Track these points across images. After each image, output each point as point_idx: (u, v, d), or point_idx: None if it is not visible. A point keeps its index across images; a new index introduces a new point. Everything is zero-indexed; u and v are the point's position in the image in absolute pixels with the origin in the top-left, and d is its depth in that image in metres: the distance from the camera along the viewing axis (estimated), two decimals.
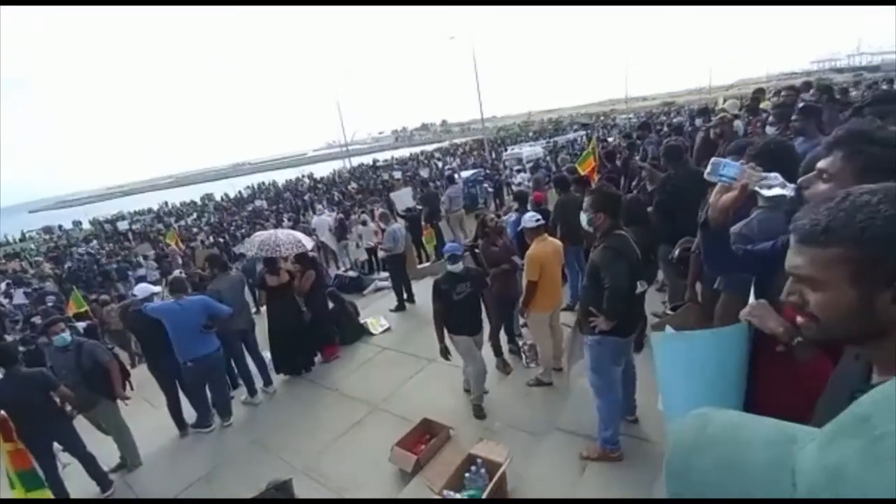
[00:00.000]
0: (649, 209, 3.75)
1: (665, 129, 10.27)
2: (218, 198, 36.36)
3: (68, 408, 3.69)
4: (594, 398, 2.78)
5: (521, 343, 4.33)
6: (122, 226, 27.67)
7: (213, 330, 4.19)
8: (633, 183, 5.52)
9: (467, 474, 2.79)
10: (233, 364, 4.87)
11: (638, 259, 2.57)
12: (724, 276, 1.83)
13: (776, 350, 1.08)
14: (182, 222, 26.71)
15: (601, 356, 2.65)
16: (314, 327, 5.36)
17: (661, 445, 2.77)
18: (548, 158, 15.72)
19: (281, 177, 41.98)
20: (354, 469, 3.45)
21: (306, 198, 23.84)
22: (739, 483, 0.32)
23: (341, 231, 10.81)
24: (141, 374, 4.84)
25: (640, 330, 2.85)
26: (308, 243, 5.28)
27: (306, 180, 35.28)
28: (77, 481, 3.81)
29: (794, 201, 1.15)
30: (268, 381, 4.96)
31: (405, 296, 6.55)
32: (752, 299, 1.22)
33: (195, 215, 29.20)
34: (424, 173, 21.44)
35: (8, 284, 14.90)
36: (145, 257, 14.31)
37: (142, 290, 4.57)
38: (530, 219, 3.54)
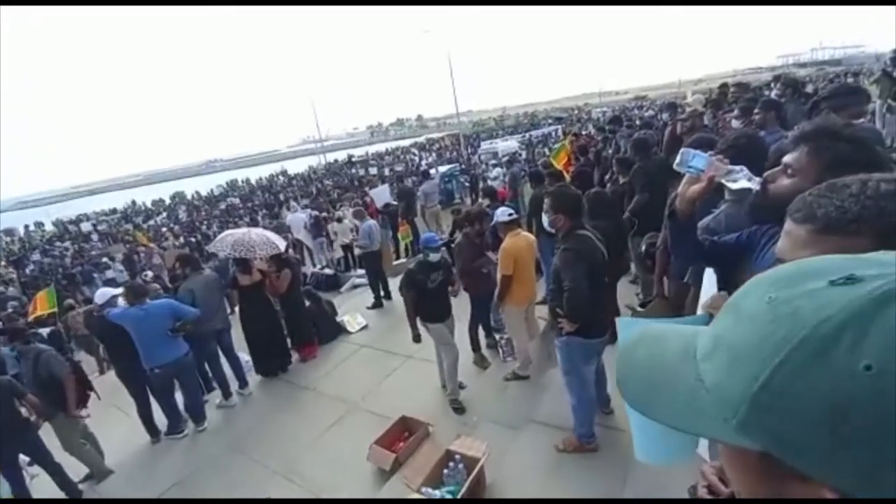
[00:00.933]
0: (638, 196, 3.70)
1: (637, 122, 10.43)
2: (189, 196, 35.10)
3: (33, 417, 3.51)
4: (568, 396, 2.80)
5: (498, 337, 4.34)
6: (86, 227, 26.30)
7: (181, 333, 4.04)
8: (606, 176, 5.59)
9: (446, 470, 2.78)
10: (206, 367, 4.72)
11: (602, 258, 2.56)
12: (691, 267, 1.85)
13: None
14: (151, 222, 25.68)
15: (570, 356, 2.65)
16: (291, 327, 5.26)
17: None
18: (523, 153, 15.80)
19: (255, 174, 40.86)
20: (333, 469, 3.40)
21: (281, 196, 23.33)
22: (661, 365, 0.42)
23: (317, 228, 10.61)
24: (112, 381, 4.65)
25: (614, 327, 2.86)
26: (281, 244, 5.16)
27: (280, 177, 34.51)
28: (45, 492, 3.65)
29: (759, 195, 1.15)
30: (243, 383, 4.84)
31: (382, 293, 6.49)
32: (714, 291, 1.23)
33: (164, 214, 28.03)
34: (400, 168, 21.25)
35: None
36: (112, 259, 13.72)
37: (101, 295, 4.35)
38: (503, 213, 3.54)
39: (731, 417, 0.34)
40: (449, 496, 2.64)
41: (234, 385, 4.79)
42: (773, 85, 9.10)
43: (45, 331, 6.59)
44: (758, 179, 1.14)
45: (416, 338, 3.74)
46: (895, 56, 7.27)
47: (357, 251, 7.84)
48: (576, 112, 44.55)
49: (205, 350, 4.53)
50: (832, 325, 0.31)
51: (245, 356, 5.04)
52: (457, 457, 2.81)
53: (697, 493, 0.75)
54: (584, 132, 11.61)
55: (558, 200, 2.57)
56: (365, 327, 5.91)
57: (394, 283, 6.63)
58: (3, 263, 18.63)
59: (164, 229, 20.19)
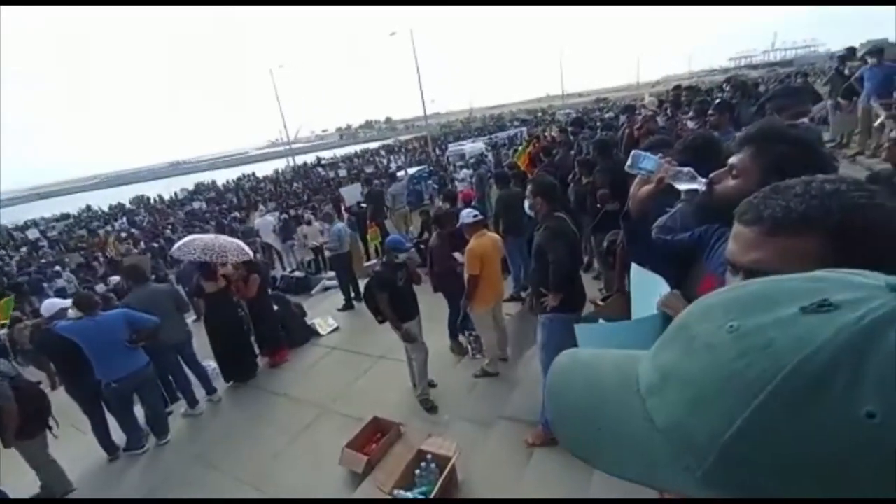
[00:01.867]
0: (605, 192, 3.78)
1: (598, 124, 10.65)
2: (152, 199, 33.39)
3: None
4: (542, 378, 2.82)
5: (468, 334, 4.33)
6: (33, 234, 23.95)
7: (141, 344, 3.79)
8: (570, 177, 5.68)
9: (417, 471, 2.73)
10: (170, 378, 4.49)
11: (577, 238, 2.77)
12: (648, 266, 1.88)
13: None
14: (108, 227, 24.18)
15: (553, 332, 2.77)
16: (259, 332, 5.08)
17: None
18: (490, 154, 15.90)
19: (222, 176, 39.47)
20: (305, 475, 3.29)
21: (250, 198, 22.59)
22: (600, 401, 0.37)
23: (286, 231, 10.35)
24: (64, 397, 4.34)
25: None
26: (249, 251, 4.98)
27: (249, 180, 33.45)
28: None
29: (705, 195, 1.15)
30: (210, 390, 4.62)
31: (352, 294, 6.38)
32: (665, 289, 1.23)
33: (124, 219, 26.29)
34: (370, 170, 21.00)
35: None
36: (63, 266, 12.86)
37: (48, 307, 4.05)
38: (468, 215, 3.53)
39: (696, 468, 0.29)
40: (421, 497, 2.60)
41: (201, 393, 4.58)
42: (724, 87, 9.44)
43: None
44: (703, 180, 1.14)
45: (406, 334, 3.56)
46: (846, 55, 7.66)
47: (327, 253, 7.69)
48: (540, 114, 45.32)
49: (166, 363, 4.29)
50: (820, 363, 0.27)
51: (212, 363, 4.83)
52: (428, 457, 2.78)
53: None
54: (546, 134, 11.78)
55: (538, 186, 2.81)
56: (336, 329, 5.80)
57: (363, 285, 6.54)
58: None
59: (122, 234, 19.13)
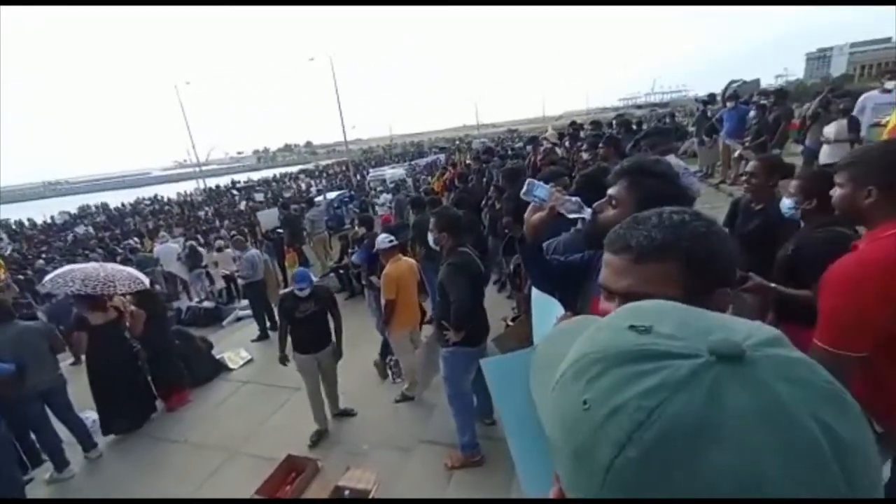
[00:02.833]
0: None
1: (509, 152, 11.31)
2: (24, 222, 28.21)
3: None
4: (450, 407, 2.82)
5: (388, 359, 4.23)
6: None
7: None
8: (482, 202, 5.93)
9: None
10: (32, 436, 3.68)
11: (480, 271, 2.72)
12: (545, 287, 1.99)
13: None
14: None
15: (454, 366, 2.71)
16: (155, 371, 4.47)
17: None
18: (409, 180, 16.09)
19: (115, 199, 34.92)
20: None
21: (150, 224, 20.22)
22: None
23: (194, 259, 9.39)
24: None
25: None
26: (145, 280, 4.42)
27: (146, 205, 29.98)
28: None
29: (590, 223, 1.24)
30: (89, 445, 3.88)
31: (268, 324, 5.94)
32: (560, 311, 1.30)
33: None
34: (289, 195, 20.06)
35: None
36: None
37: None
38: (384, 240, 3.50)
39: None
40: None
41: (75, 452, 3.83)
42: (613, 123, 10.72)
43: None
44: (588, 210, 1.24)
45: (282, 359, 3.60)
46: (708, 99, 9.19)
47: (240, 281, 7.12)
48: (458, 142, 47.08)
49: (27, 416, 3.52)
50: (594, 357, 0.33)
51: (91, 414, 4.12)
52: (346, 492, 2.62)
53: None
54: (463, 161, 12.25)
55: (442, 220, 2.71)
56: (249, 361, 5.34)
57: None
58: None
59: None
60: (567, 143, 7.69)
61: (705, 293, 0.65)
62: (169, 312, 5.82)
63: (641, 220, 0.71)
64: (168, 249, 9.61)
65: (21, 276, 12.22)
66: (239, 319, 7.13)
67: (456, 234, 2.68)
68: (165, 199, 30.75)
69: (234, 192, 29.39)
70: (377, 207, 12.63)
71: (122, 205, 31.35)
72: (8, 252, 19.17)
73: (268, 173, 44.82)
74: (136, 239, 14.72)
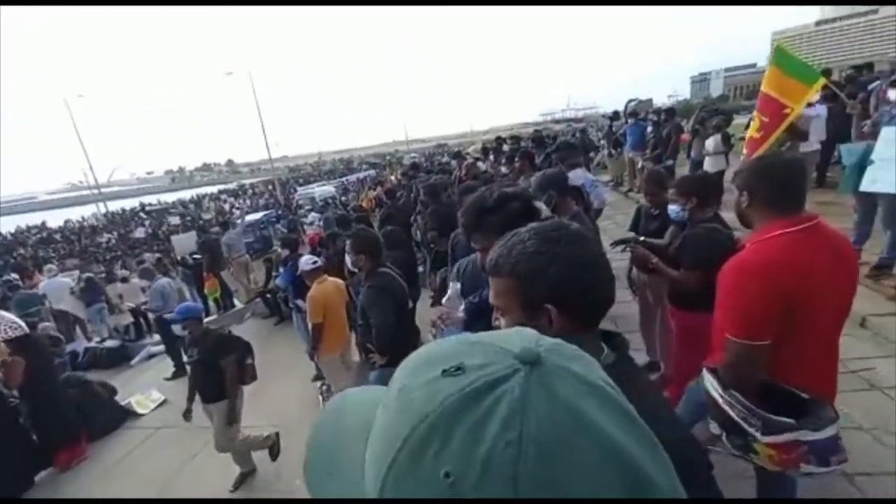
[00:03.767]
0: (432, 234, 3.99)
1: (437, 167, 11.52)
2: None
3: None
4: None
5: (320, 385, 4.05)
6: None
7: None
8: (412, 218, 5.97)
9: None
10: None
11: (404, 291, 2.66)
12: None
13: None
14: None
15: None
16: (40, 427, 3.85)
17: None
18: (339, 197, 15.75)
19: None
20: None
21: (40, 254, 17.64)
22: (340, 441, 0.37)
23: (92, 293, 8.30)
24: None
25: None
26: (22, 324, 3.82)
27: (30, 234, 26.20)
28: None
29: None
30: None
31: (185, 358, 5.40)
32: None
33: None
34: (209, 216, 18.64)
35: None
36: None
37: None
38: (307, 262, 3.37)
39: None
40: None
41: None
42: (528, 139, 11.55)
43: None
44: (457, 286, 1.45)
45: (186, 414, 3.23)
46: (613, 116, 10.17)
47: (150, 315, 6.44)
48: (389, 157, 47.10)
49: None
50: (427, 425, 0.29)
51: None
52: None
53: None
54: (392, 177, 12.28)
55: (359, 242, 2.61)
56: (163, 403, 4.80)
57: None
58: None
59: None
60: (492, 157, 8.06)
61: (536, 307, 0.72)
62: (57, 358, 5.08)
63: (504, 241, 0.79)
64: (57, 284, 8.41)
65: None
66: (152, 356, 6.44)
67: (375, 256, 2.58)
68: (56, 227, 27.09)
69: (143, 215, 26.74)
70: (306, 226, 12.17)
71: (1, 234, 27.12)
72: None
73: (185, 194, 41.46)
74: (14, 275, 12.61)
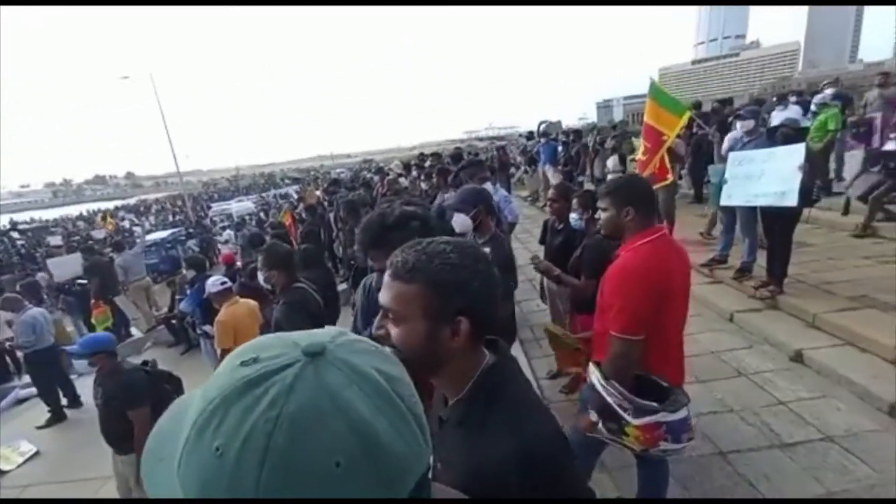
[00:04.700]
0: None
1: (360, 183, 11.39)
2: None
3: None
4: None
5: None
6: None
7: None
8: (332, 235, 5.84)
9: None
10: None
11: (319, 307, 2.61)
12: None
13: None
14: None
15: None
16: None
17: None
18: (260, 214, 14.86)
19: None
20: None
21: None
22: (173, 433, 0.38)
23: None
24: None
25: None
26: None
27: None
28: None
29: None
30: None
31: (63, 401, 4.69)
32: None
33: None
34: (101, 236, 16.45)
35: None
36: None
37: None
38: (215, 283, 3.12)
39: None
40: None
41: None
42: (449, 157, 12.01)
43: None
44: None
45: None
46: (528, 135, 10.95)
47: (18, 353, 5.48)
48: (313, 172, 45.54)
49: None
50: (213, 406, 0.34)
51: None
52: None
53: None
54: (316, 193, 11.94)
55: (271, 257, 2.54)
56: (34, 456, 4.09)
57: (87, 382, 4.89)
58: None
59: None
60: (414, 173, 8.18)
61: (445, 317, 0.73)
62: None
63: (409, 245, 0.79)
64: None
65: None
66: (21, 401, 5.47)
67: (288, 271, 2.53)
68: None
69: (15, 234, 22.88)
70: (220, 245, 11.28)
71: None
72: None
73: (72, 210, 36.36)
74: None
